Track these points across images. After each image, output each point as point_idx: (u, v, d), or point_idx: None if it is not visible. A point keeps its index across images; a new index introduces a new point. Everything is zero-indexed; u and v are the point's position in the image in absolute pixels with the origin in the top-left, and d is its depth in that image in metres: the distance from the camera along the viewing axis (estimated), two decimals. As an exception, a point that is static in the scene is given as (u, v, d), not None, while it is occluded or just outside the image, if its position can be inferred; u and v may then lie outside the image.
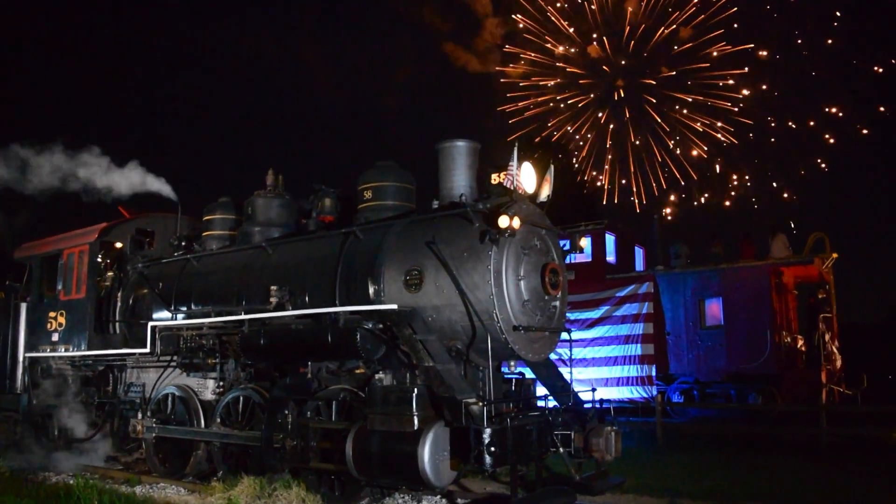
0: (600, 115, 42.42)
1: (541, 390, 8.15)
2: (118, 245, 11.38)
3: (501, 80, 41.57)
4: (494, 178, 7.42)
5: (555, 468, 8.36)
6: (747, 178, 40.93)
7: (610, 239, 19.26)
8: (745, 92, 39.30)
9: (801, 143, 40.20)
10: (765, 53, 39.39)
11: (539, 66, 42.56)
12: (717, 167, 40.95)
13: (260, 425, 7.95)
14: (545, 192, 7.63)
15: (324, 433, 7.28)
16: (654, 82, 41.22)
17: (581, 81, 42.55)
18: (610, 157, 42.45)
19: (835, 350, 16.77)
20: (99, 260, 11.13)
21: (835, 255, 16.80)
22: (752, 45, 38.61)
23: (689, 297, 17.17)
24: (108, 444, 10.63)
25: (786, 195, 39.94)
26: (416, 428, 6.32)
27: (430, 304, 7.11)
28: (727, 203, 40.86)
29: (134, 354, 10.06)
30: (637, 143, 42.13)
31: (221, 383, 8.95)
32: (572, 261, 8.47)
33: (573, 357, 8.37)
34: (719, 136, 40.12)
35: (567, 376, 8.13)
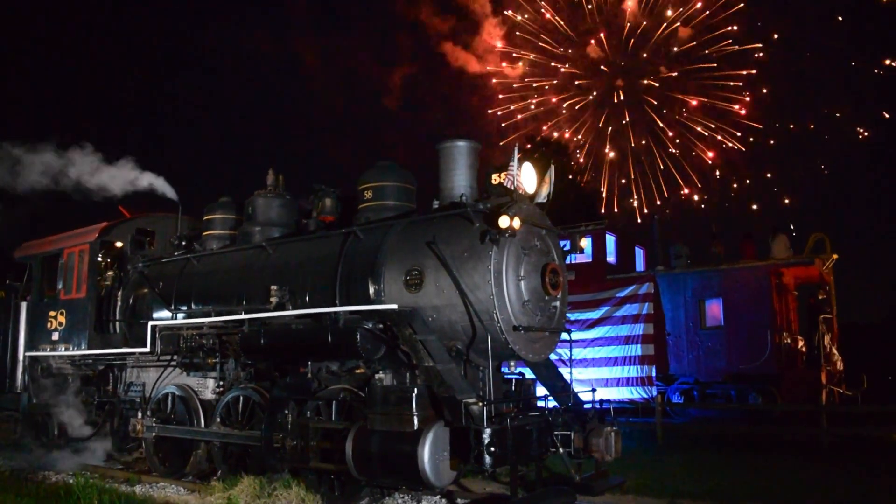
0: (600, 123, 42.38)
1: (541, 390, 8.15)
2: (118, 245, 11.38)
3: (494, 81, 41.51)
4: (495, 179, 7.42)
5: (555, 468, 8.36)
6: (748, 181, 40.94)
7: (610, 239, 19.27)
8: (747, 98, 39.24)
9: (800, 144, 40.21)
10: (761, 55, 39.36)
11: (537, 67, 42.56)
12: (718, 172, 40.91)
13: (260, 425, 7.94)
14: (545, 191, 7.63)
15: (324, 433, 7.28)
16: (657, 84, 41.16)
17: (578, 82, 42.49)
18: (609, 158, 42.41)
19: (835, 352, 16.77)
20: (99, 259, 11.13)
21: (835, 256, 16.80)
22: (760, 45, 38.53)
23: (689, 297, 17.18)
24: (107, 444, 10.63)
25: (787, 200, 39.95)
26: (416, 428, 6.32)
27: (430, 304, 7.11)
28: (727, 205, 40.88)
29: (134, 354, 10.07)
30: (635, 146, 42.09)
31: (221, 383, 8.95)
32: (573, 261, 8.47)
33: (573, 357, 8.37)
34: (728, 143, 40.02)
35: (567, 377, 8.13)
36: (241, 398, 8.49)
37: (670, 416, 16.35)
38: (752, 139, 40.24)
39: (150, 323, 9.66)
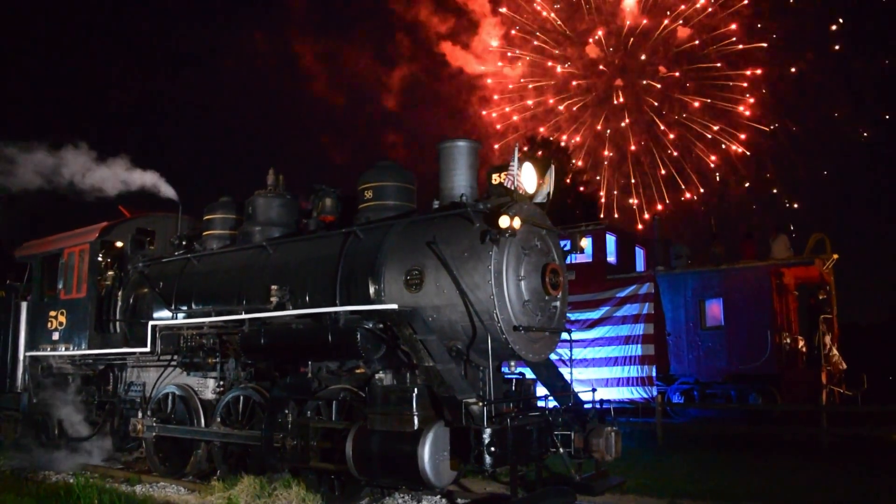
0: (598, 125, 42.31)
1: (541, 390, 8.15)
2: (119, 244, 11.38)
3: (489, 81, 41.48)
4: (495, 179, 7.43)
5: (555, 468, 8.35)
6: (747, 185, 40.92)
7: (611, 239, 19.26)
8: (751, 100, 39.17)
9: (800, 144, 40.18)
10: (763, 54, 39.32)
11: (536, 67, 42.51)
12: (718, 176, 40.86)
13: (260, 425, 7.95)
14: (545, 190, 7.63)
15: (324, 433, 7.28)
16: (657, 84, 41.11)
17: (577, 83, 42.41)
18: (608, 161, 42.34)
19: (836, 352, 16.77)
20: (100, 259, 11.14)
21: (835, 256, 16.80)
22: (765, 45, 38.45)
23: (689, 297, 17.16)
24: (108, 444, 10.64)
25: (788, 204, 39.93)
26: (416, 428, 6.33)
27: (430, 303, 7.11)
28: (727, 205, 40.84)
29: (134, 353, 10.07)
30: (635, 149, 42.02)
31: (222, 383, 8.95)
32: (573, 261, 8.47)
33: (573, 357, 8.37)
34: (730, 144, 39.92)
35: (567, 377, 8.13)
36: (242, 398, 8.49)
37: (670, 417, 16.34)
38: (747, 138, 40.22)
39: (151, 323, 9.66)
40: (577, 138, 42.49)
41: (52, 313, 11.34)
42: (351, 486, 7.48)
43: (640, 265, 20.07)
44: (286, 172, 9.65)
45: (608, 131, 42.54)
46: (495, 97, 42.93)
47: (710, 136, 40.74)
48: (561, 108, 42.82)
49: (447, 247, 7.06)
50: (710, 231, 21.32)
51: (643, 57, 41.83)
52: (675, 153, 41.39)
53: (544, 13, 42.03)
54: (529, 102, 42.92)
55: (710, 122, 41.01)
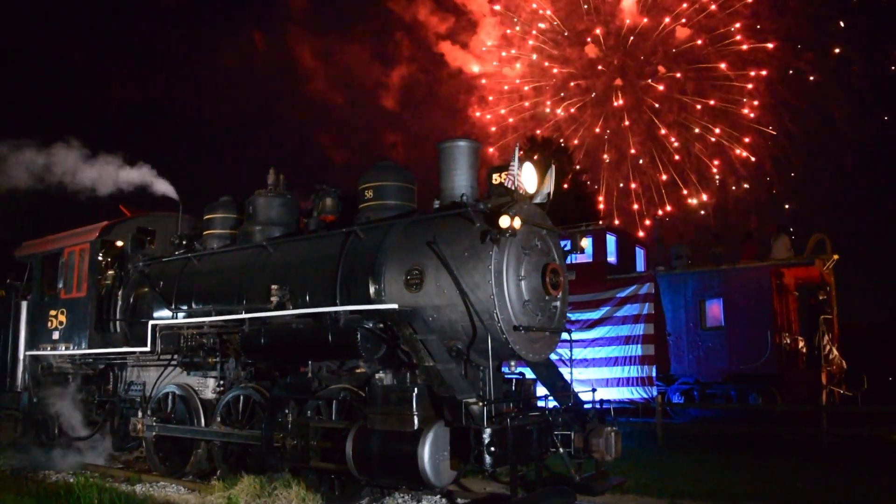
0: (597, 127, 42.24)
1: (541, 390, 8.15)
2: (119, 244, 11.38)
3: (483, 81, 41.42)
4: (495, 179, 7.43)
5: (555, 468, 8.35)
6: (746, 186, 40.88)
7: (611, 239, 19.26)
8: (755, 102, 39.07)
9: (800, 145, 40.14)
10: (765, 54, 39.26)
11: (535, 67, 42.45)
12: (718, 177, 40.79)
13: (260, 424, 7.94)
14: (545, 190, 7.63)
15: (324, 432, 7.28)
16: (656, 84, 41.05)
17: (575, 83, 42.33)
18: (606, 163, 42.25)
19: (836, 352, 16.77)
20: (100, 258, 11.14)
21: (836, 257, 16.80)
22: (770, 46, 38.36)
23: (689, 297, 17.17)
24: (108, 443, 10.63)
25: (788, 206, 39.90)
26: (416, 428, 6.32)
27: (430, 303, 7.11)
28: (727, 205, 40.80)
29: (134, 353, 10.07)
30: (635, 151, 41.94)
31: (222, 382, 8.95)
32: (573, 261, 8.47)
33: (573, 357, 8.37)
34: (731, 146, 39.84)
35: (567, 377, 8.13)
36: (242, 397, 8.49)
37: (670, 417, 16.34)
38: (751, 141, 40.14)
39: (151, 322, 9.66)
40: (576, 141, 42.45)
41: (53, 312, 11.34)
42: (351, 486, 7.48)
43: (640, 265, 20.07)
44: (286, 172, 9.66)
45: (607, 132, 42.49)
46: (490, 98, 42.90)
47: (713, 140, 40.65)
48: (559, 111, 42.76)
49: (447, 246, 7.06)
50: (711, 232, 21.33)
51: (642, 57, 41.81)
52: (677, 157, 41.33)
53: (541, 11, 41.98)
54: (527, 104, 42.90)
55: (710, 122, 40.98)
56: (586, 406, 7.79)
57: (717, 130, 40.69)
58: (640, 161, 42.11)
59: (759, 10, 39.71)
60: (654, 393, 16.23)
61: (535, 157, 7.89)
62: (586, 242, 18.11)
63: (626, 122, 42.41)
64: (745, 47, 39.20)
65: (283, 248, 8.82)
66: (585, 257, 17.89)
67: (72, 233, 11.53)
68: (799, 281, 17.71)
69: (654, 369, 16.80)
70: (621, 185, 42.33)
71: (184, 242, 10.66)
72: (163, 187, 11.42)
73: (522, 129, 42.39)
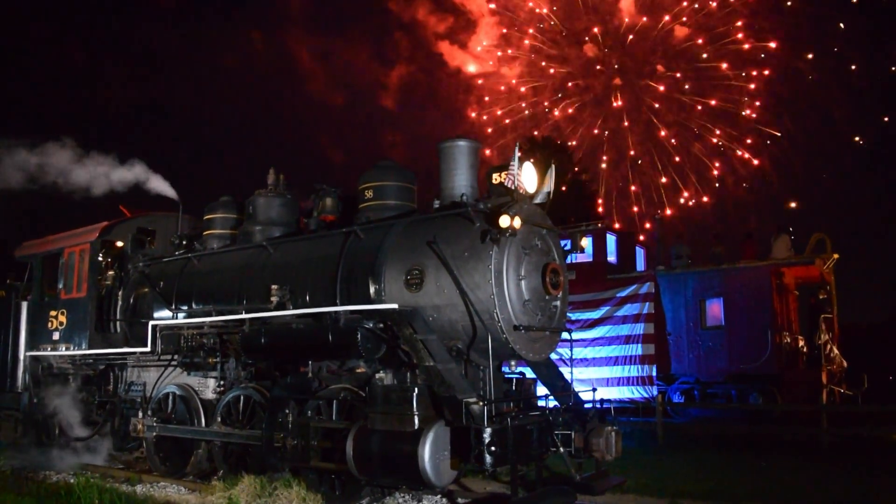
0: (595, 129, 42.17)
1: (541, 390, 8.15)
2: (119, 244, 11.38)
3: (479, 82, 41.34)
4: (496, 178, 7.43)
5: (555, 468, 8.35)
6: (745, 185, 40.84)
7: (611, 239, 19.26)
8: (756, 103, 38.97)
9: (800, 145, 40.11)
10: (765, 55, 39.21)
11: (534, 67, 42.37)
12: (717, 175, 40.72)
13: (260, 424, 7.95)
14: (545, 190, 7.63)
15: (324, 432, 7.28)
16: (655, 84, 40.98)
17: (571, 84, 42.24)
18: (605, 165, 42.16)
19: (836, 351, 16.77)
20: (100, 259, 11.13)
21: (836, 256, 16.79)
22: (775, 45, 38.25)
23: (690, 297, 17.16)
24: (108, 443, 10.63)
25: (793, 205, 39.85)
26: (416, 427, 6.32)
27: (430, 303, 7.11)
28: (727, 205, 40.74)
29: (135, 353, 10.07)
30: (635, 153, 41.86)
31: (222, 382, 8.95)
32: (573, 261, 8.47)
33: (574, 357, 8.37)
34: (739, 152, 39.72)
35: (567, 376, 8.13)
36: (242, 398, 8.49)
37: (671, 416, 16.35)
38: (753, 142, 40.09)
39: (151, 322, 9.67)
40: (574, 142, 42.38)
41: (53, 313, 11.34)
42: (351, 486, 7.48)
43: (640, 265, 20.08)
44: (286, 172, 9.67)
45: (606, 133, 42.41)
46: (486, 98, 42.82)
47: (715, 141, 40.55)
48: (556, 112, 42.68)
49: (447, 246, 7.06)
50: (711, 232, 21.34)
51: (639, 56, 41.74)
52: (677, 158, 41.27)
53: (537, 10, 41.89)
54: (523, 104, 42.82)
55: (711, 123, 40.92)
56: (586, 406, 7.79)
57: (718, 132, 40.63)
58: (640, 161, 42.06)
59: (758, 9, 39.70)
60: (655, 392, 16.22)
61: (535, 158, 7.85)
62: (586, 242, 18.11)
63: (626, 123, 42.38)
64: (746, 46, 39.14)
65: (283, 248, 8.82)
66: (585, 257, 17.89)
67: (72, 233, 11.53)
68: (799, 280, 17.71)
69: (654, 369, 16.79)
70: (620, 184, 42.31)
71: (184, 242, 10.66)
72: (159, 185, 11.40)
73: (521, 129, 42.35)
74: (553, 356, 8.15)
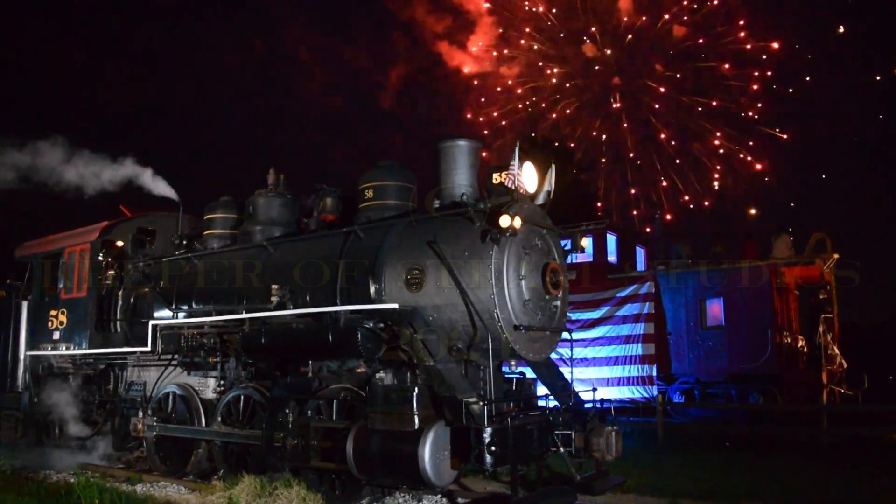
0: (594, 130, 42.10)
1: (541, 390, 8.15)
2: (119, 244, 11.38)
3: (475, 82, 41.28)
4: (496, 178, 7.42)
5: (555, 468, 8.36)
6: (743, 184, 40.78)
7: (611, 239, 19.27)
8: (758, 104, 38.86)
9: (801, 145, 40.07)
10: (767, 56, 39.15)
11: (532, 67, 42.28)
12: (717, 175, 40.65)
13: (261, 424, 7.95)
14: (545, 189, 7.63)
15: (324, 432, 7.29)
16: (662, 89, 40.86)
17: (569, 84, 42.16)
18: (604, 166, 42.08)
19: (836, 351, 16.76)
20: (100, 258, 11.12)
21: (836, 256, 16.79)
22: (777, 45, 38.13)
23: (690, 297, 17.16)
24: (108, 443, 10.64)
25: (793, 204, 39.79)
26: (416, 427, 6.33)
27: (430, 303, 7.11)
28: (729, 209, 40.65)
29: (135, 353, 10.08)
30: (634, 155, 41.78)
31: (222, 382, 8.95)
32: (573, 261, 8.48)
33: (574, 357, 8.37)
34: (741, 154, 39.64)
35: (568, 376, 8.13)
36: (242, 397, 8.49)
37: (671, 416, 16.34)
38: (752, 143, 40.01)
39: (151, 322, 9.67)
40: (572, 144, 42.29)
41: (53, 312, 11.35)
42: (351, 486, 7.48)
43: (640, 265, 20.07)
44: (286, 172, 9.66)
45: (604, 136, 42.29)
46: (482, 99, 42.73)
47: (716, 143, 40.42)
48: (553, 115, 42.58)
49: (448, 246, 7.06)
50: (712, 231, 21.33)
51: (637, 55, 41.64)
52: (678, 160, 41.18)
53: (534, 9, 41.80)
54: (521, 105, 42.73)
55: (711, 123, 40.83)
56: (587, 405, 7.79)
57: (718, 133, 40.56)
58: (639, 162, 42.00)
59: (758, 8, 39.62)
60: (655, 392, 16.23)
61: (535, 158, 7.84)
62: (586, 242, 18.13)
63: (625, 124, 42.30)
64: (748, 46, 39.04)
65: (284, 247, 8.82)
66: (586, 257, 17.91)
67: (72, 233, 11.53)
68: (799, 280, 17.70)
69: (654, 368, 16.79)
70: (619, 179, 42.22)
71: (184, 242, 10.66)
72: (155, 183, 11.39)
73: (519, 130, 42.24)
74: (553, 356, 8.15)
